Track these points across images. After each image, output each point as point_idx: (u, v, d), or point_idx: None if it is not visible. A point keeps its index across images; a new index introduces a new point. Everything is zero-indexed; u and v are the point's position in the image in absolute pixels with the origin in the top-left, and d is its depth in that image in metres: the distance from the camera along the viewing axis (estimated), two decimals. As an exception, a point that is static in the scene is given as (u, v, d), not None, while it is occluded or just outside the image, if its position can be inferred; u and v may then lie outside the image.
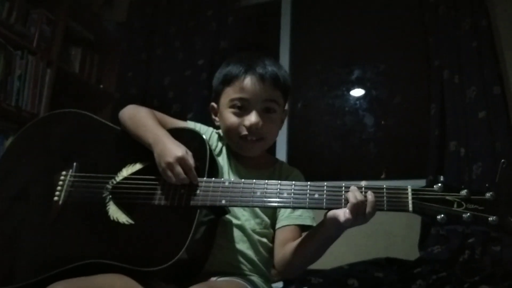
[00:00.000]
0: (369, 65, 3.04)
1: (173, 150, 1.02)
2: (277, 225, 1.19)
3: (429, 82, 2.48)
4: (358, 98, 3.01)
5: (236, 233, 1.16)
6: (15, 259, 1.06)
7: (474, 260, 2.01)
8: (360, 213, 0.93)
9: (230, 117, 1.19)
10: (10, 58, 2.36)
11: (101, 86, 3.13)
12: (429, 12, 2.55)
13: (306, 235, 1.08)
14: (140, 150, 1.10)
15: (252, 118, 1.17)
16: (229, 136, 1.22)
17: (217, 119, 1.28)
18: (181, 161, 1.00)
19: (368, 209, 0.93)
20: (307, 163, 2.94)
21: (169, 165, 1.00)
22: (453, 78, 2.36)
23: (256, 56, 1.25)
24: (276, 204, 1.00)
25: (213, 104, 1.29)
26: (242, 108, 1.18)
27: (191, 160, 1.02)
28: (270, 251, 1.19)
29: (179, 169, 1.00)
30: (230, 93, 1.20)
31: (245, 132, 1.18)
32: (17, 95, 2.37)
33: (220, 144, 1.30)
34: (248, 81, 1.17)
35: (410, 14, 2.87)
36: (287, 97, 1.28)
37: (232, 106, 1.19)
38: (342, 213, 0.93)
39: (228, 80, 1.20)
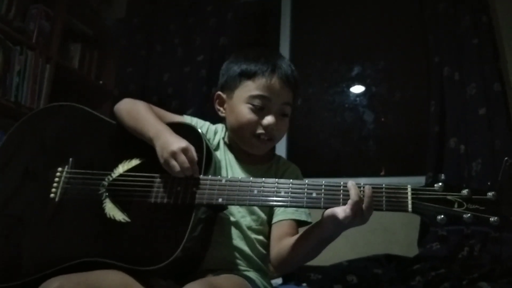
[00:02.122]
0: (369, 62, 3.03)
1: (177, 141, 1.01)
2: (273, 220, 1.18)
3: (429, 79, 2.48)
4: (358, 95, 3.01)
5: (232, 230, 1.15)
6: (11, 257, 1.05)
7: (473, 257, 2.01)
8: (359, 210, 0.92)
9: (248, 113, 1.16)
10: (9, 54, 2.36)
11: (100, 82, 3.12)
12: (429, 8, 2.54)
13: (303, 234, 1.07)
14: (136, 145, 1.09)
15: (271, 119, 1.16)
16: (241, 132, 1.19)
17: (222, 109, 1.25)
18: (185, 151, 0.99)
19: (365, 204, 0.92)
20: (306, 160, 2.94)
21: (174, 154, 0.98)
22: (453, 75, 2.36)
23: (276, 54, 1.25)
24: (273, 203, 1.00)
25: (220, 93, 1.25)
26: (261, 106, 1.16)
27: (194, 153, 1.01)
28: (267, 247, 1.19)
29: (183, 157, 0.98)
30: (251, 88, 1.17)
31: (261, 131, 1.16)
32: (16, 91, 2.37)
33: (217, 138, 1.28)
34: (275, 81, 1.16)
35: (410, 11, 2.86)
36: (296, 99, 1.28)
37: (251, 102, 1.16)
38: (342, 210, 0.92)
39: (251, 74, 1.17)
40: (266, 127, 1.16)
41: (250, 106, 1.16)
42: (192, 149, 1.01)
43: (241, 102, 1.18)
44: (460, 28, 2.40)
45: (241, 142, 1.22)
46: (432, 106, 2.39)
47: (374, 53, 3.01)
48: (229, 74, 1.23)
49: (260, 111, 1.16)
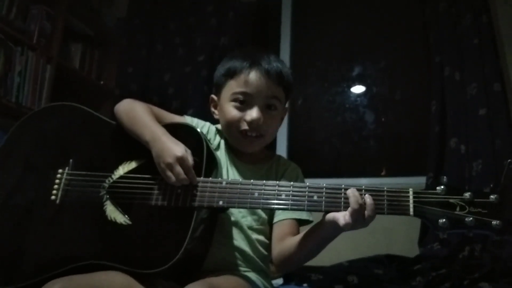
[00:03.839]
0: (369, 61, 3.03)
1: (172, 149, 1.00)
2: (274, 220, 1.18)
3: (429, 79, 2.48)
4: (359, 95, 3.01)
5: (233, 230, 1.15)
6: (13, 259, 1.05)
7: (474, 257, 2.01)
8: (360, 217, 0.92)
9: (231, 111, 1.17)
10: (10, 54, 2.36)
11: (101, 82, 3.12)
12: (430, 8, 2.54)
13: (304, 234, 1.07)
14: (136, 147, 1.09)
15: (253, 113, 1.15)
16: (229, 130, 1.20)
17: (216, 112, 1.27)
18: (180, 161, 0.99)
19: (367, 212, 0.91)
20: (307, 160, 2.94)
21: (169, 166, 0.99)
22: (454, 75, 2.36)
23: (261, 51, 1.23)
24: (274, 206, 1.00)
25: (213, 96, 1.27)
26: (244, 103, 1.16)
27: (190, 159, 1.00)
28: (268, 248, 1.19)
29: (179, 169, 0.98)
30: (233, 86, 1.17)
31: (245, 127, 1.16)
32: (17, 91, 2.37)
33: (218, 139, 1.28)
34: (253, 75, 1.16)
35: (411, 11, 2.87)
36: (289, 95, 1.26)
37: (234, 100, 1.17)
38: (342, 217, 0.92)
39: (231, 73, 1.18)
40: (250, 123, 1.15)
41: (234, 103, 1.17)
42: (187, 157, 1.00)
43: (226, 102, 1.19)
44: (461, 28, 2.40)
45: (232, 141, 1.23)
46: (433, 106, 2.39)
47: (374, 53, 3.02)
48: (217, 77, 1.24)
49: (243, 108, 1.16)
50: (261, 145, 1.24)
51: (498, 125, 2.20)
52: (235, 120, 1.17)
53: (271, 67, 1.17)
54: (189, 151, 1.01)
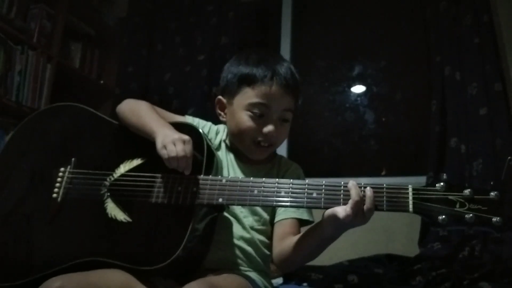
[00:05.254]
0: (370, 61, 3.03)
1: (178, 134, 1.01)
2: (275, 219, 1.19)
3: (430, 79, 2.48)
4: (359, 95, 3.01)
5: (235, 230, 1.16)
6: (13, 257, 1.06)
7: (474, 257, 2.01)
8: (360, 210, 0.91)
9: (247, 120, 1.16)
10: (10, 53, 2.36)
11: (102, 81, 3.12)
12: (430, 8, 2.54)
13: (304, 234, 1.08)
14: (137, 146, 1.10)
15: (271, 127, 1.15)
16: (241, 138, 1.19)
17: (223, 114, 1.25)
18: (185, 142, 0.99)
19: (367, 205, 0.91)
20: (307, 160, 2.94)
21: (174, 140, 0.99)
22: (454, 74, 2.36)
23: (277, 57, 1.23)
24: (273, 203, 1.00)
25: (221, 98, 1.25)
26: (261, 114, 1.15)
27: (191, 148, 1.00)
28: (269, 247, 1.19)
29: (182, 145, 0.98)
30: (250, 95, 1.15)
31: (260, 138, 1.16)
32: (17, 90, 2.37)
33: (219, 139, 1.28)
34: (274, 88, 1.14)
35: (411, 10, 2.86)
36: (297, 102, 1.26)
37: (250, 110, 1.15)
38: (342, 210, 0.92)
39: (250, 81, 1.16)
40: (266, 135, 1.15)
41: (250, 113, 1.15)
42: (191, 143, 1.01)
43: (240, 109, 1.17)
44: (461, 28, 2.40)
45: (242, 148, 1.22)
46: (433, 106, 2.39)
47: (375, 53, 3.02)
48: (228, 79, 1.22)
49: (260, 118, 1.16)
50: (270, 153, 1.24)
51: (499, 125, 2.19)
52: (250, 130, 1.16)
53: (290, 79, 1.17)
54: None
